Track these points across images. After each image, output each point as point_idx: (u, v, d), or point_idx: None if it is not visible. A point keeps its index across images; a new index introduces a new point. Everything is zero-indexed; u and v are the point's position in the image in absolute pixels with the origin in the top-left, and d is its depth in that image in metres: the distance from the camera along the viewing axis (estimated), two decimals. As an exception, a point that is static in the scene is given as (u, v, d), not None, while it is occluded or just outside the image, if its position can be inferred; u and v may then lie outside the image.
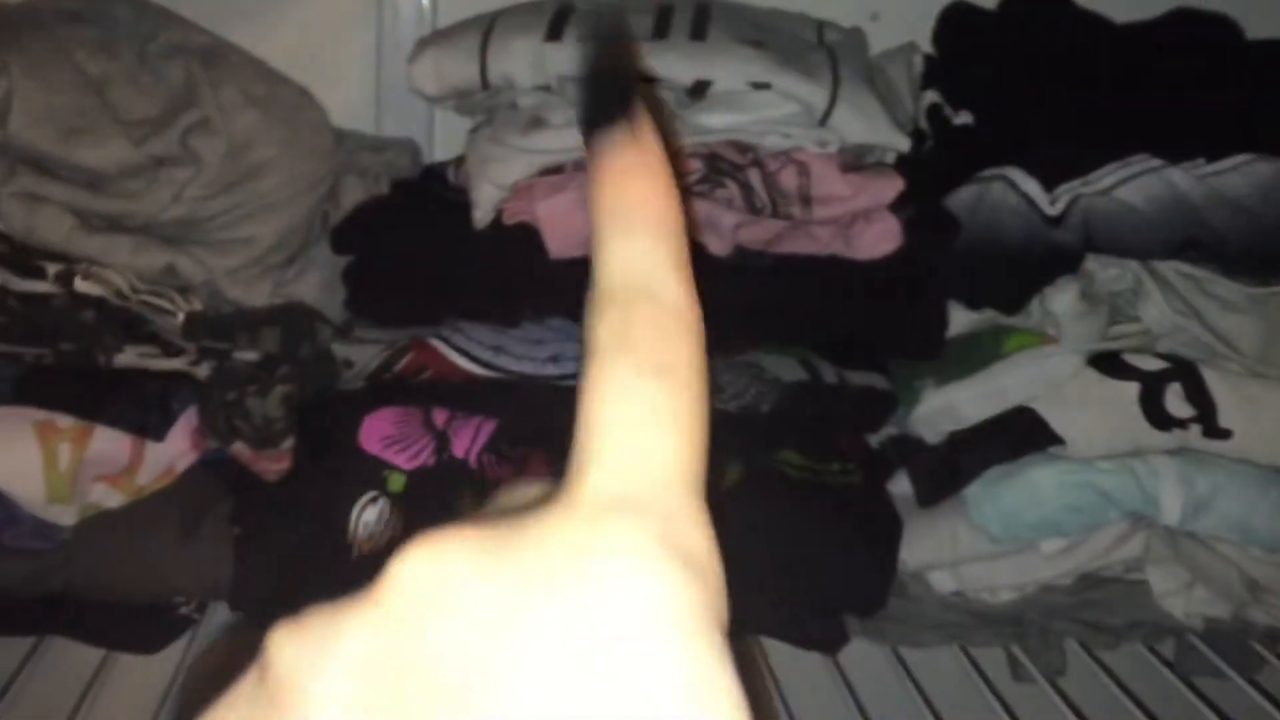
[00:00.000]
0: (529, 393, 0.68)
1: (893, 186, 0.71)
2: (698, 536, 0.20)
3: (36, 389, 0.67)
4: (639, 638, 0.18)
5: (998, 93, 0.79)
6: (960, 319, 0.76)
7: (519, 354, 0.69)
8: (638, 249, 0.23)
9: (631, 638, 0.18)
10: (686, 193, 0.22)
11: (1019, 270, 0.74)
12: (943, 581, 0.76)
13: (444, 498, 0.64)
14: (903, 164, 0.78)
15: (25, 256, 0.68)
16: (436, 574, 0.19)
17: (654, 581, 0.19)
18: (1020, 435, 0.73)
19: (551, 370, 0.68)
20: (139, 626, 0.72)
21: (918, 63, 0.84)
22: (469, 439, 0.66)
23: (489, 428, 0.66)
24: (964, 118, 0.80)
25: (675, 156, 0.25)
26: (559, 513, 0.20)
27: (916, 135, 0.80)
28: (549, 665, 0.18)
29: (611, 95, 0.24)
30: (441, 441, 0.65)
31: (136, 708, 0.69)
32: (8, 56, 0.66)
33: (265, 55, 0.81)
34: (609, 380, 0.21)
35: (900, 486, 0.76)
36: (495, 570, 0.19)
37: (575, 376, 0.67)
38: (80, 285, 0.67)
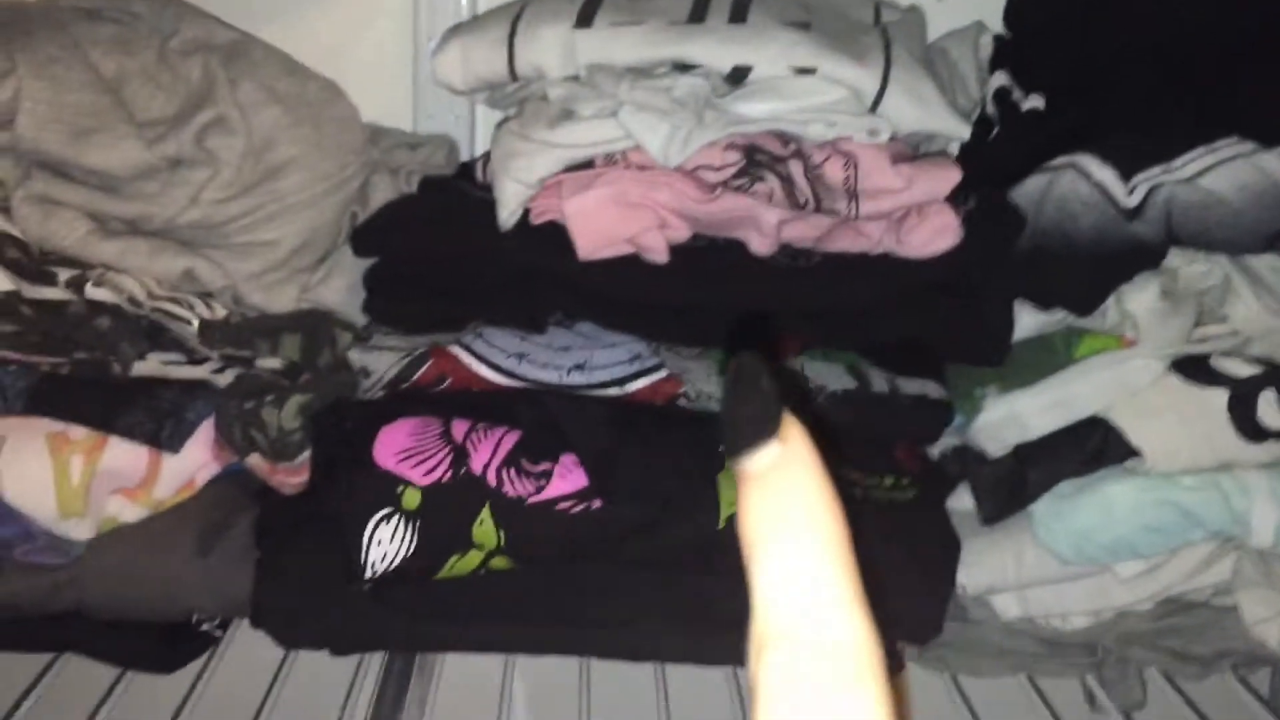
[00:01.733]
0: (552, 403, 0.64)
1: (949, 178, 0.65)
2: None
3: (49, 399, 0.65)
4: None
5: (1072, 73, 0.73)
6: (1027, 321, 0.70)
7: (542, 362, 0.65)
8: (798, 576, 0.21)
9: None
10: (850, 498, 0.20)
11: (1092, 267, 0.67)
12: (1007, 606, 0.70)
13: (460, 515, 0.61)
14: (967, 154, 0.72)
15: (37, 262, 0.66)
16: None
17: None
18: (1093, 448, 0.67)
19: (576, 379, 0.64)
20: (156, 644, 0.70)
21: (985, 44, 0.78)
22: (488, 453, 0.62)
23: (510, 441, 0.62)
24: (1034, 102, 0.74)
25: (832, 460, 0.23)
26: None
27: (983, 122, 0.74)
28: None
29: (757, 411, 0.23)
30: (459, 455, 0.62)
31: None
32: (17, 56, 0.64)
33: (298, 51, 0.78)
34: None
35: (962, 502, 0.71)
36: None
37: (600, 386, 0.63)
38: (91, 292, 0.65)
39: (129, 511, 0.66)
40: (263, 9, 0.81)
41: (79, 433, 0.65)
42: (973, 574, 0.68)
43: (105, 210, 0.68)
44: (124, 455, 0.65)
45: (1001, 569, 0.68)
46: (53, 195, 0.66)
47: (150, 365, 0.69)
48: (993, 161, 0.71)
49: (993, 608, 0.70)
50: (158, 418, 0.65)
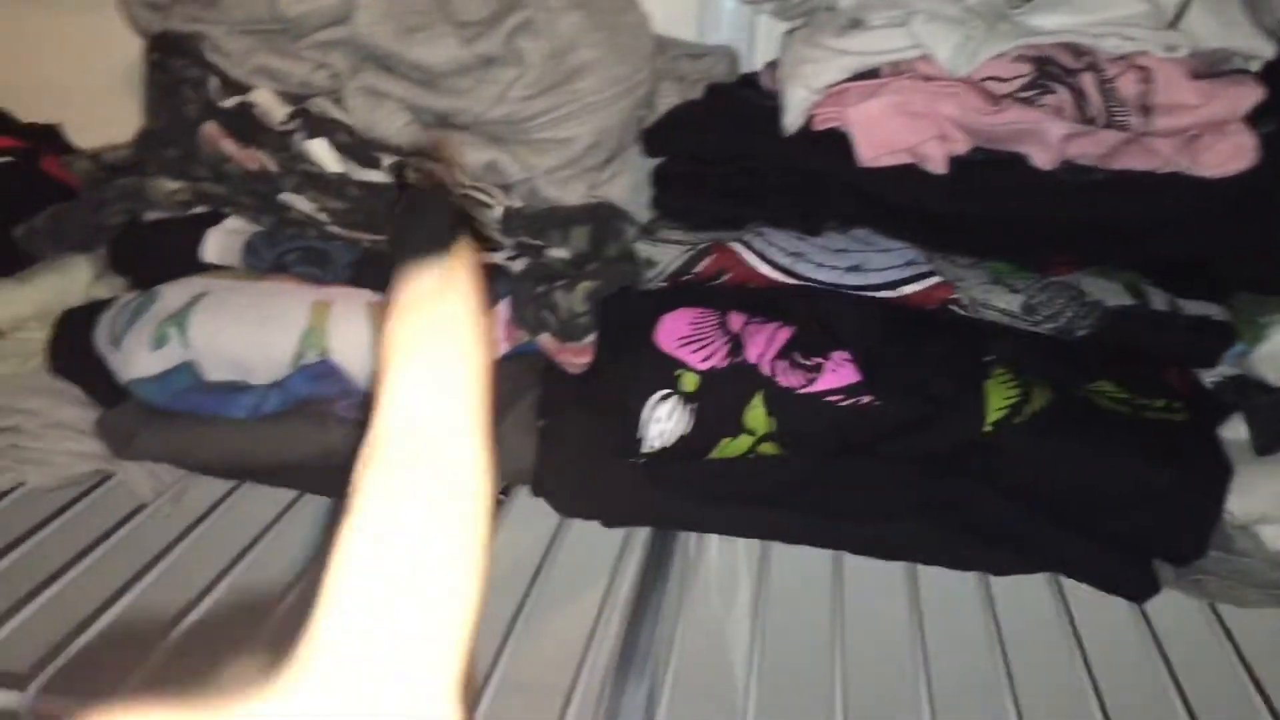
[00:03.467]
0: (826, 302, 0.66)
1: (1249, 95, 0.63)
2: None
3: (370, 272, 0.72)
4: None
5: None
6: (1324, 249, 0.67)
7: (819, 261, 0.67)
8: (426, 395, 0.21)
9: None
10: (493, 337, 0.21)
11: (1401, 195, 0.65)
12: (1276, 538, 0.68)
13: (733, 400, 0.64)
14: (1272, 74, 0.69)
15: (364, 147, 0.73)
16: None
17: None
18: (1386, 383, 0.64)
19: (851, 280, 0.66)
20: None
21: (1300, -41, 0.74)
22: (763, 344, 0.65)
23: (784, 334, 0.66)
24: (1350, 21, 0.70)
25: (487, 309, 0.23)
26: None
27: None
28: None
29: (429, 230, 0.23)
30: (735, 345, 0.65)
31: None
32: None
33: (595, -39, 0.82)
34: (353, 555, 0.20)
35: (1236, 432, 0.69)
36: None
37: (875, 288, 0.65)
38: (411, 177, 0.72)
39: (432, 380, 0.73)
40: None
41: (394, 304, 0.72)
42: (1243, 502, 0.66)
43: (422, 103, 0.74)
44: (432, 328, 0.72)
45: (1274, 499, 0.66)
46: (379, 87, 0.73)
47: (452, 250, 0.75)
48: (1298, 83, 0.69)
49: (1260, 538, 0.69)
50: (462, 295, 0.71)
